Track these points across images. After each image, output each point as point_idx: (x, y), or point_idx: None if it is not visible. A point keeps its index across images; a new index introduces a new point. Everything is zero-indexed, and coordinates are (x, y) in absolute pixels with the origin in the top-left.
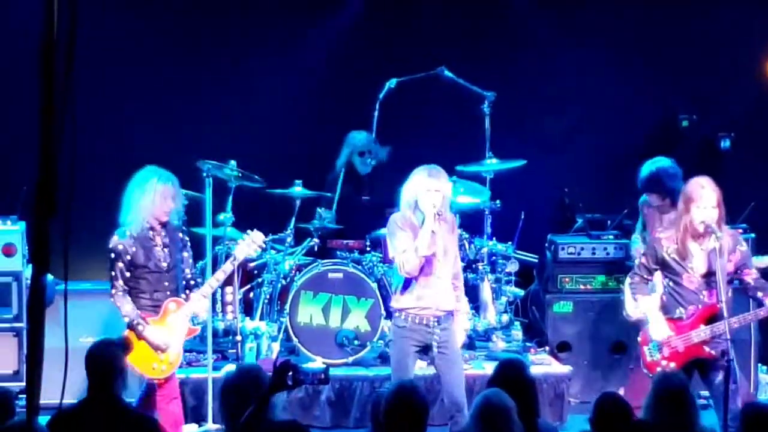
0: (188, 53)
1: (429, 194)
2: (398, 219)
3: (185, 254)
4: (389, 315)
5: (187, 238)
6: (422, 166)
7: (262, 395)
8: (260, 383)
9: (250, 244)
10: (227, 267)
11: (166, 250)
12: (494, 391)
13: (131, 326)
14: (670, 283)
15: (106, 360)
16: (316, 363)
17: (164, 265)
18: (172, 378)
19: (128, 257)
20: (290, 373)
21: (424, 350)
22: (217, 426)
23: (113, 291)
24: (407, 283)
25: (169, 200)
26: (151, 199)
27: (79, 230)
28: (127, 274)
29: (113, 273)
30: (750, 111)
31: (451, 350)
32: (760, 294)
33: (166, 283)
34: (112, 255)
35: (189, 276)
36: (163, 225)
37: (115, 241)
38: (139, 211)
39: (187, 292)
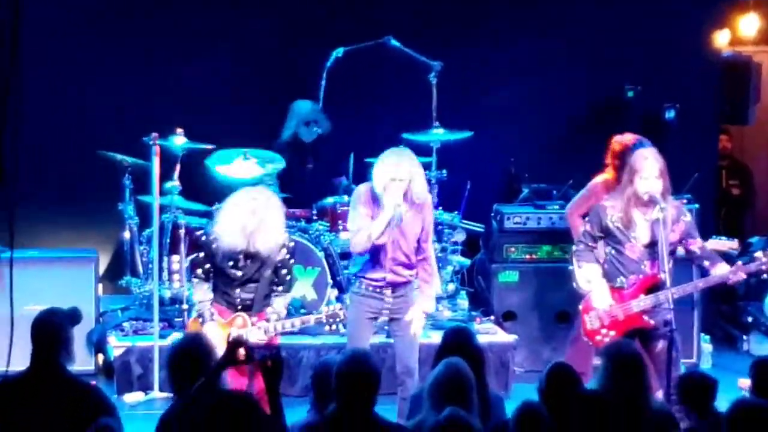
0: (136, 23)
1: (392, 185)
2: (362, 194)
3: (282, 272)
4: (336, 284)
5: (288, 256)
6: (392, 150)
7: (213, 369)
8: (208, 350)
9: (329, 317)
10: (296, 322)
11: (248, 261)
12: (456, 360)
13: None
14: (613, 252)
15: (51, 329)
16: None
17: (238, 274)
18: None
19: (209, 250)
20: (242, 349)
21: (379, 319)
22: (164, 394)
23: (192, 276)
24: (361, 256)
25: (256, 226)
26: (243, 222)
27: (26, 198)
28: (207, 266)
29: (195, 258)
30: (694, 82)
31: (403, 316)
32: (706, 263)
33: (237, 291)
34: (199, 243)
35: (277, 292)
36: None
37: (205, 233)
38: (228, 228)
39: (267, 310)
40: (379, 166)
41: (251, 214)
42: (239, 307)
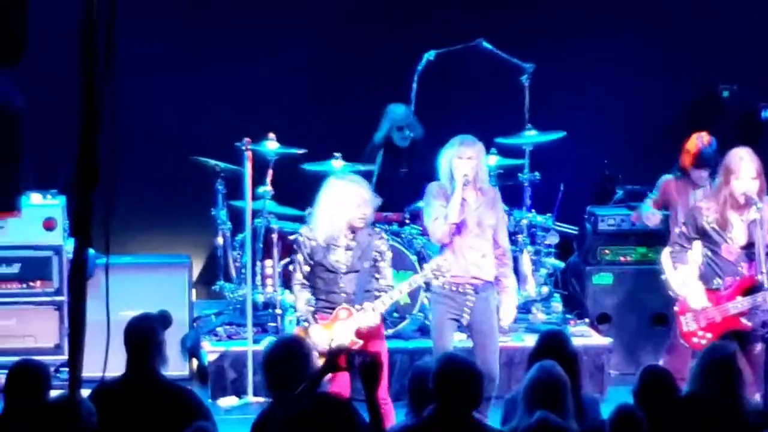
0: (228, 28)
1: (460, 162)
2: (434, 188)
3: (382, 265)
4: (429, 288)
5: (385, 248)
6: (457, 136)
7: (314, 376)
8: (306, 352)
9: (435, 270)
10: (404, 287)
11: (349, 252)
12: (550, 363)
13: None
14: (709, 253)
15: (144, 334)
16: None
17: (342, 266)
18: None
19: (307, 250)
20: (343, 357)
21: (462, 320)
22: (258, 398)
23: (293, 282)
24: (442, 251)
25: (363, 207)
26: (343, 204)
27: (120, 204)
28: (306, 268)
29: (293, 265)
30: None
31: (486, 319)
32: None
33: (342, 285)
34: (295, 246)
35: (379, 286)
36: (356, 229)
37: (301, 232)
38: (330, 217)
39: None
40: (447, 149)
41: (353, 194)
42: (344, 303)
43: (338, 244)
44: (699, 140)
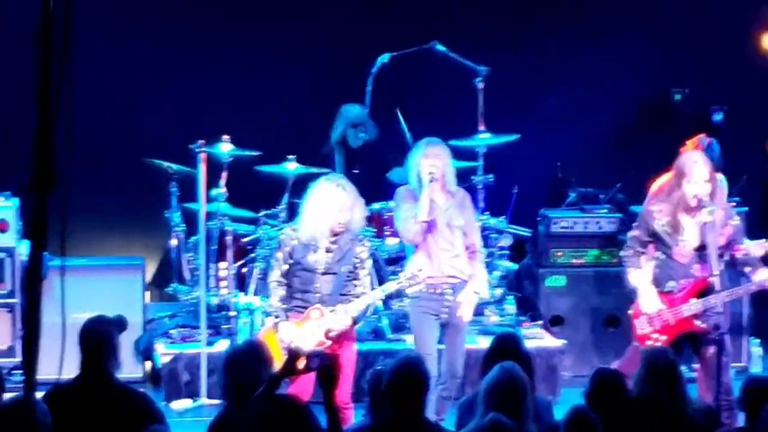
0: (182, 30)
1: (426, 161)
2: (402, 191)
3: (361, 272)
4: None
5: (365, 256)
6: (424, 138)
7: (272, 379)
8: (266, 359)
9: (409, 279)
10: (377, 294)
11: (328, 254)
12: (510, 365)
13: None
14: (662, 256)
15: (99, 336)
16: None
17: (319, 267)
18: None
19: (288, 249)
20: (301, 359)
21: (441, 318)
22: (212, 401)
23: (269, 279)
24: (415, 252)
25: (343, 212)
26: (324, 208)
27: (73, 205)
28: (285, 267)
29: (273, 261)
30: (742, 84)
31: (457, 319)
32: (747, 269)
33: (318, 285)
34: (277, 244)
35: (355, 292)
36: (336, 233)
37: (283, 231)
38: (314, 219)
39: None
40: (414, 151)
41: (335, 198)
42: (317, 303)
43: (319, 245)
44: (701, 144)
